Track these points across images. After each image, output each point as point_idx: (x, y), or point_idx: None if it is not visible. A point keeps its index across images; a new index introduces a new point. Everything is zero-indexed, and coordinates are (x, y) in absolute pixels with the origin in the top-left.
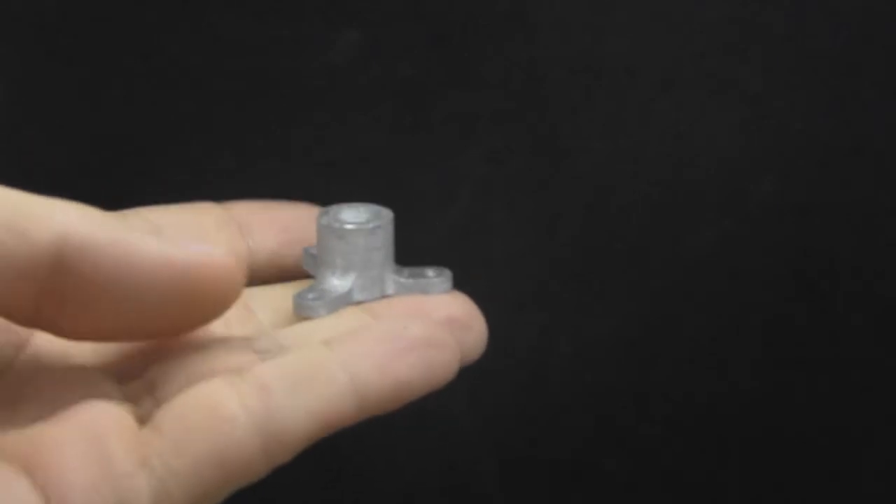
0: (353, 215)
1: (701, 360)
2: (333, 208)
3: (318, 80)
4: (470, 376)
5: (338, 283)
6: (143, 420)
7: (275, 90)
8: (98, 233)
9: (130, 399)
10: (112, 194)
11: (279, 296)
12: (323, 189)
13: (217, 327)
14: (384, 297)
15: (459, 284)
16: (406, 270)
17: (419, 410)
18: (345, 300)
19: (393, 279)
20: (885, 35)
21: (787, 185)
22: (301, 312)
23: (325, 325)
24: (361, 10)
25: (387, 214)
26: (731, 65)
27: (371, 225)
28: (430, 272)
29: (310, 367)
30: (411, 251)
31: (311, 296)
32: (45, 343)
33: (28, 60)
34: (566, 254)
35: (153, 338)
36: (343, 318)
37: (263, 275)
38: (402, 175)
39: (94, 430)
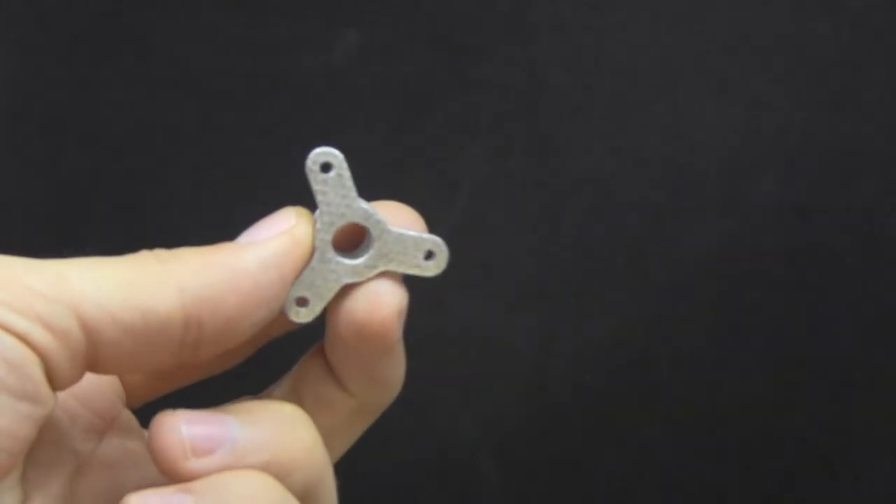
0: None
1: (701, 360)
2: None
3: (318, 80)
4: (469, 376)
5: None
6: None
7: (275, 90)
8: (210, 281)
9: None
10: (112, 193)
11: None
12: None
13: None
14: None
15: (459, 284)
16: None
17: (419, 411)
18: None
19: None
20: (885, 35)
21: (787, 185)
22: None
23: None
24: (361, 10)
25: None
26: (731, 65)
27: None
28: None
29: None
30: None
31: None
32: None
33: (28, 60)
34: (566, 254)
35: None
36: None
37: None
38: (402, 175)
39: None
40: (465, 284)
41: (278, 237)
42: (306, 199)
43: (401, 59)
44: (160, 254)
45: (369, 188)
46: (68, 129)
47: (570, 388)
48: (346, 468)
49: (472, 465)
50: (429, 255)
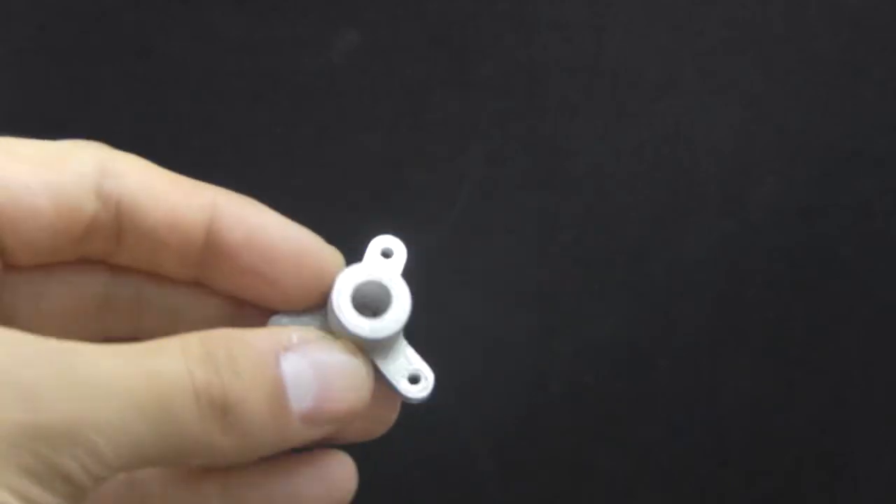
0: (362, 302)
1: (701, 360)
2: (344, 279)
3: (318, 80)
4: (469, 376)
5: None
6: None
7: (275, 90)
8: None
9: None
10: None
11: None
12: (323, 189)
13: None
14: None
15: (459, 284)
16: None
17: (419, 410)
18: None
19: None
20: (885, 35)
21: (787, 185)
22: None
23: None
24: (361, 10)
25: (399, 316)
26: (731, 65)
27: (371, 336)
28: (406, 380)
29: None
30: (412, 251)
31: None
32: None
33: (28, 60)
34: (566, 254)
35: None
36: None
37: None
38: (402, 175)
39: None
40: (465, 284)
41: (330, 423)
42: (307, 199)
43: (401, 59)
44: None
45: (369, 188)
46: (68, 129)
47: (570, 388)
48: None
49: (472, 465)
50: (414, 380)
